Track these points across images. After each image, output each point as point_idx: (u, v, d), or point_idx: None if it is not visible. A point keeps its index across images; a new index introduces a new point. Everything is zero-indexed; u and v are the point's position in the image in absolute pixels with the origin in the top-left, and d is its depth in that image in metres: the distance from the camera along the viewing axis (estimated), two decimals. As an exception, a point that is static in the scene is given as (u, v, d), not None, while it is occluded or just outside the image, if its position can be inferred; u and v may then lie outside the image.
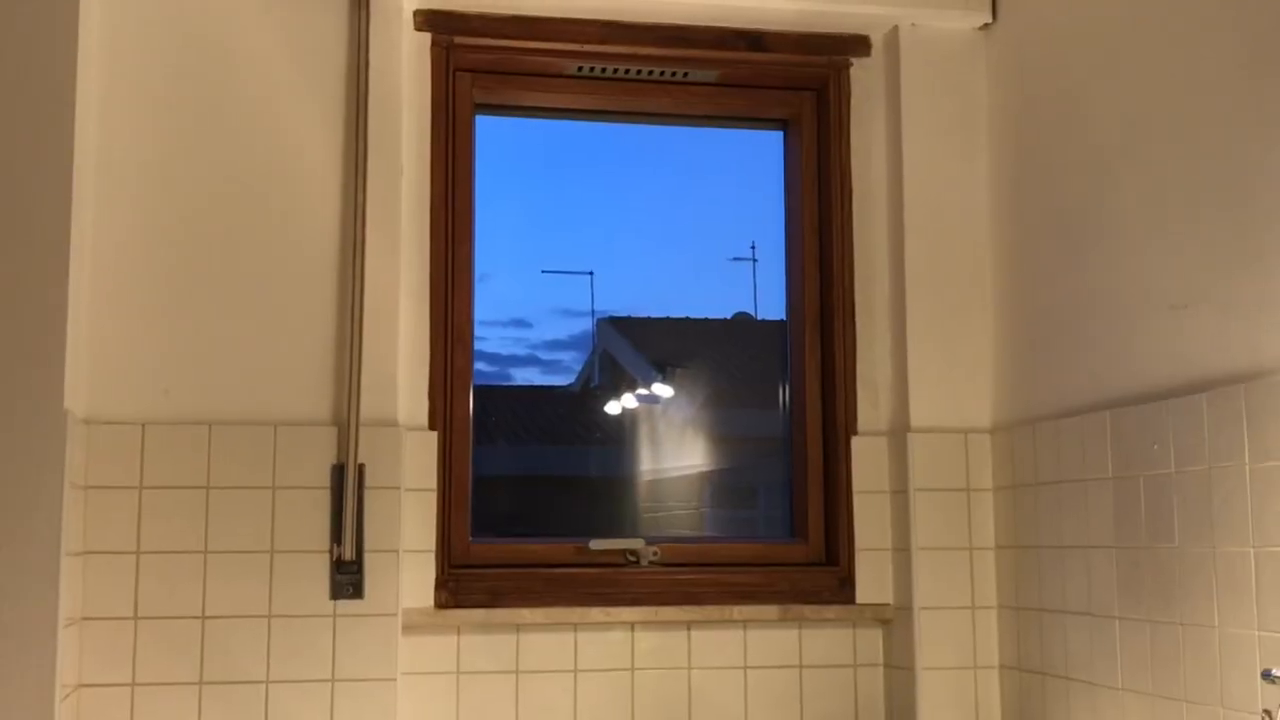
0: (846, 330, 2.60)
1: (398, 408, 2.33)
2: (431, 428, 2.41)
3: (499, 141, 2.65)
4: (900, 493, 2.50)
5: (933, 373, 2.49)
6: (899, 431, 2.52)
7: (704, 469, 3.42)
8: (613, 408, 4.49)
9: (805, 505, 2.62)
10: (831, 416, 2.61)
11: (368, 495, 2.23)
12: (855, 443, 2.56)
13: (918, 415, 2.50)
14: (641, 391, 4.29)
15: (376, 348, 2.29)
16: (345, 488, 2.20)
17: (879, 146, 2.60)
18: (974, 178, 2.55)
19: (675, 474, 3.66)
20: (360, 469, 2.23)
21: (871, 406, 2.58)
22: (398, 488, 2.28)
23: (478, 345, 2.63)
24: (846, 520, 2.51)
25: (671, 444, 3.77)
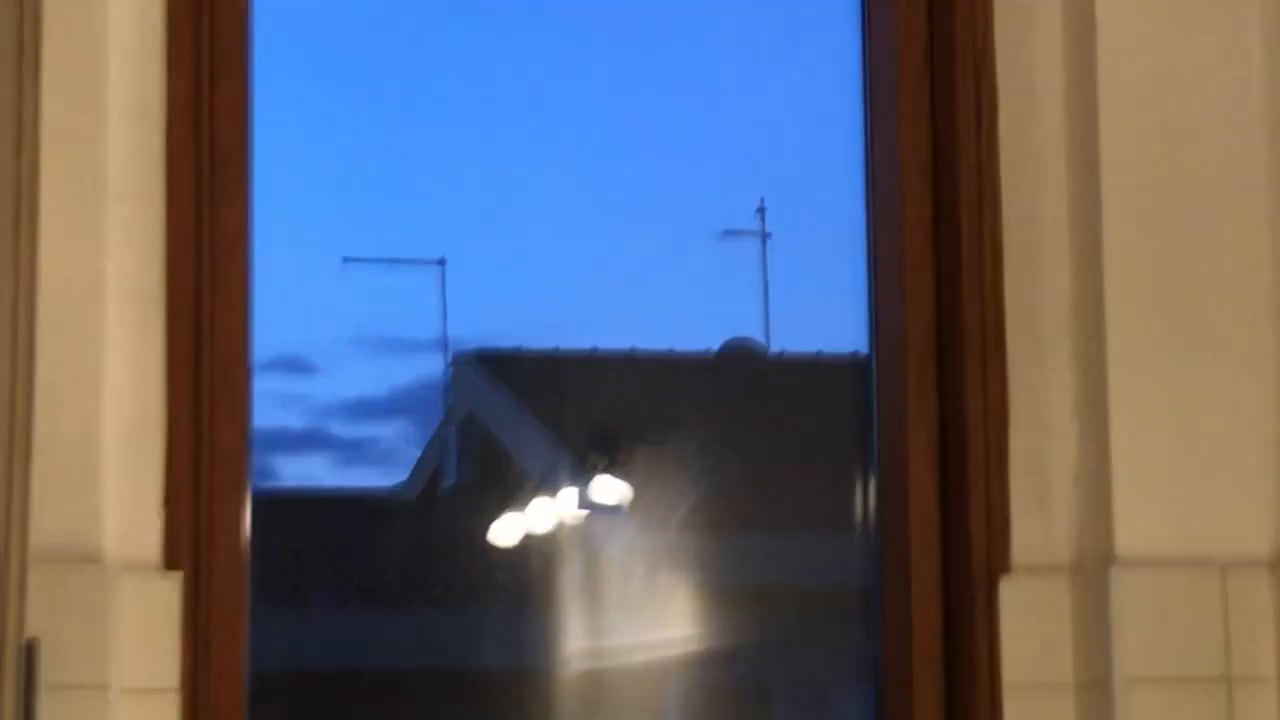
0: (989, 369, 2.41)
1: (102, 530, 2.19)
2: (171, 566, 2.26)
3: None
4: (1096, 687, 2.32)
5: (1160, 451, 2.35)
6: (1093, 565, 2.36)
7: (691, 650, 3.30)
8: (503, 532, 4.11)
9: (908, 714, 2.42)
10: (959, 540, 2.43)
11: (43, 704, 2.08)
12: (1006, 591, 2.38)
13: (1130, 534, 2.34)
14: (569, 492, 4.06)
15: (58, 405, 2.15)
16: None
17: (1048, 13, 2.46)
18: (1238, 70, 2.42)
19: (632, 662, 3.36)
20: (28, 650, 2.08)
21: (1037, 517, 2.42)
22: (106, 688, 2.14)
23: None
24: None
25: (626, 604, 3.41)
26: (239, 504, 2.31)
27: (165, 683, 2.22)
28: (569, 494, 3.86)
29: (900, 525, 2.47)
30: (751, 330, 3.62)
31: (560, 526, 3.80)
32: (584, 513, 3.61)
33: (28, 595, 2.08)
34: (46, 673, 2.08)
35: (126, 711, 2.19)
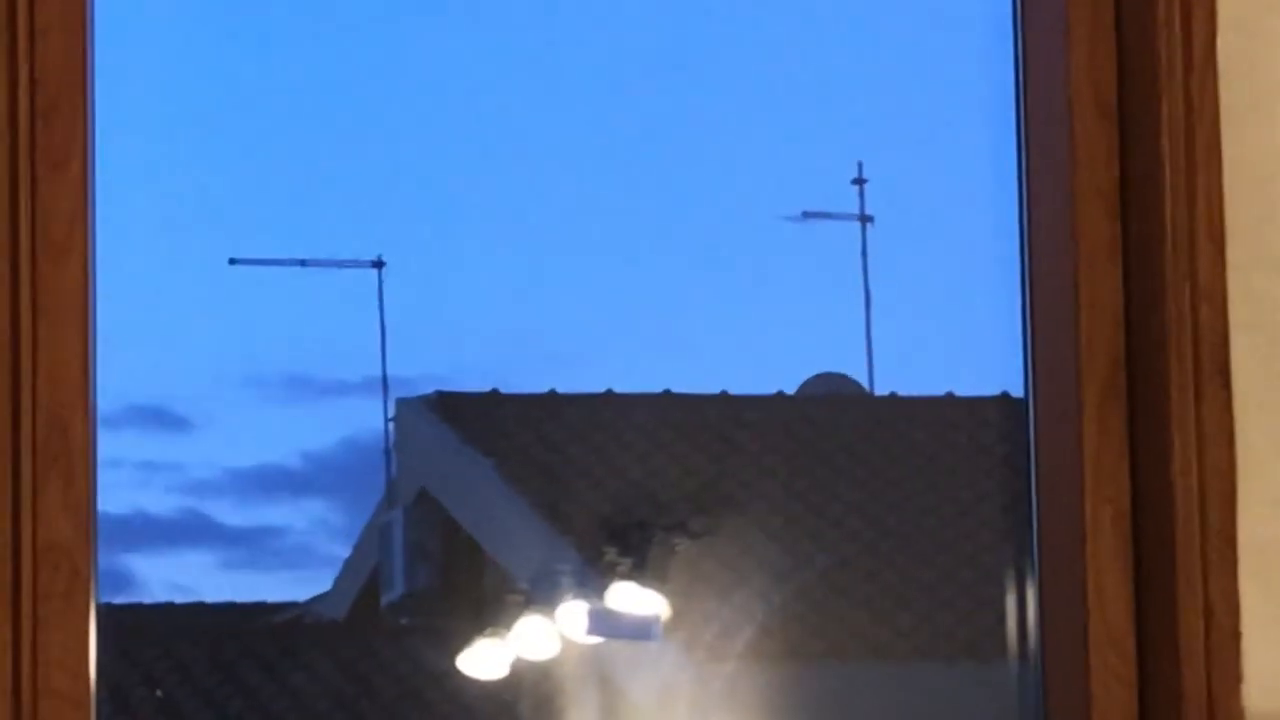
0: (1204, 421, 2.30)
1: None
2: None
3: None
4: None
5: None
6: None
7: None
8: (479, 664, 4.01)
9: None
10: (1163, 672, 2.31)
11: None
12: None
13: None
14: (575, 606, 4.06)
15: None
16: None
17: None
18: None
19: None
20: None
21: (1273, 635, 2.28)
22: None
23: None
24: None
25: None
26: (80, 627, 2.18)
27: None
28: (576, 609, 3.81)
29: (1075, 650, 2.34)
30: (849, 357, 3.60)
31: (564, 656, 3.76)
32: (597, 637, 3.51)
33: None
34: None
35: None
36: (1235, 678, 2.26)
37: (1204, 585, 2.26)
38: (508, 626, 3.81)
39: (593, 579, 3.70)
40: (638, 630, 3.47)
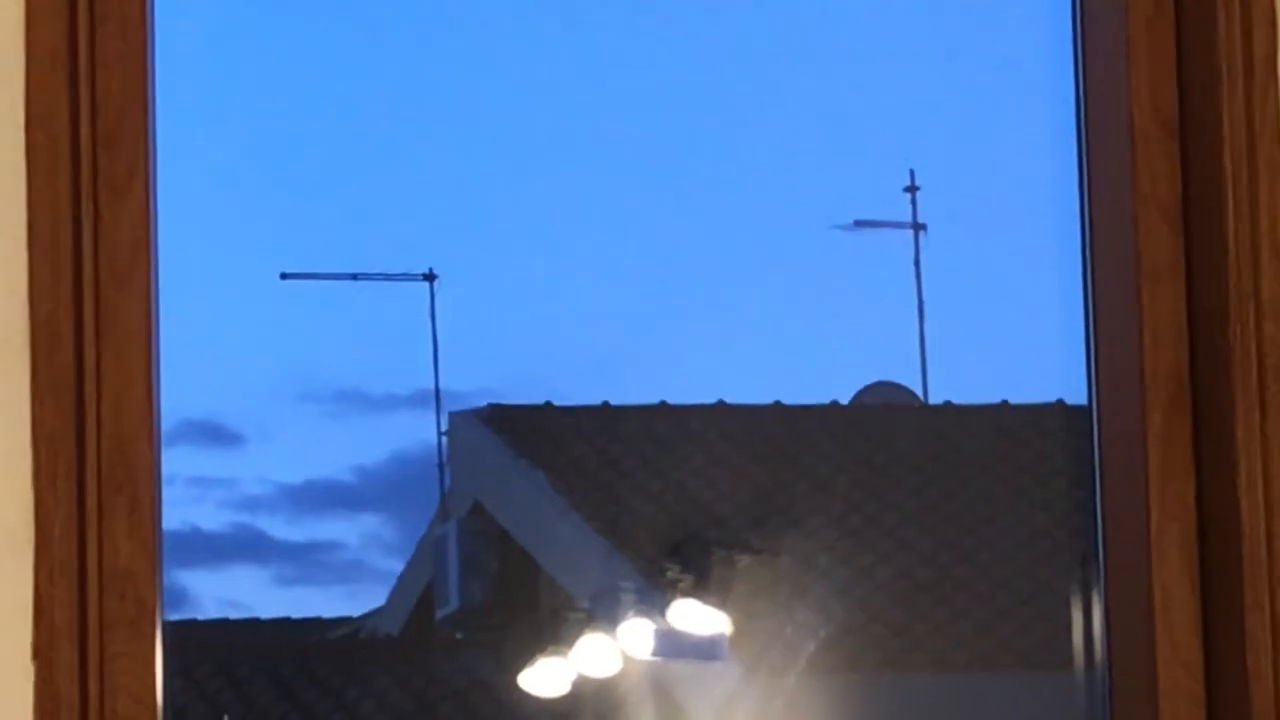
0: (1270, 431, 2.27)
1: None
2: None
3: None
4: None
5: None
6: None
7: None
8: (539, 682, 3.97)
9: None
10: (1233, 693, 2.28)
11: None
12: None
13: None
14: (637, 624, 4.04)
15: None
16: None
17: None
18: None
19: None
20: None
21: None
22: None
23: None
24: None
25: None
26: (147, 653, 2.18)
27: None
28: (639, 627, 3.80)
29: (1144, 668, 2.32)
30: (905, 365, 3.65)
31: (626, 673, 3.75)
32: (663, 657, 3.51)
33: None
34: None
35: None
36: (1306, 695, 2.24)
37: (1271, 604, 2.24)
38: (569, 644, 3.79)
39: (654, 596, 3.67)
40: (704, 650, 3.45)
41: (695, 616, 3.42)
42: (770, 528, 3.51)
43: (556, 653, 3.86)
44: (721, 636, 3.33)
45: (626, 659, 3.65)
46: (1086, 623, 2.50)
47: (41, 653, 2.12)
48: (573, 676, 3.80)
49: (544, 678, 3.75)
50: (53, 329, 2.14)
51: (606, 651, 3.63)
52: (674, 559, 3.66)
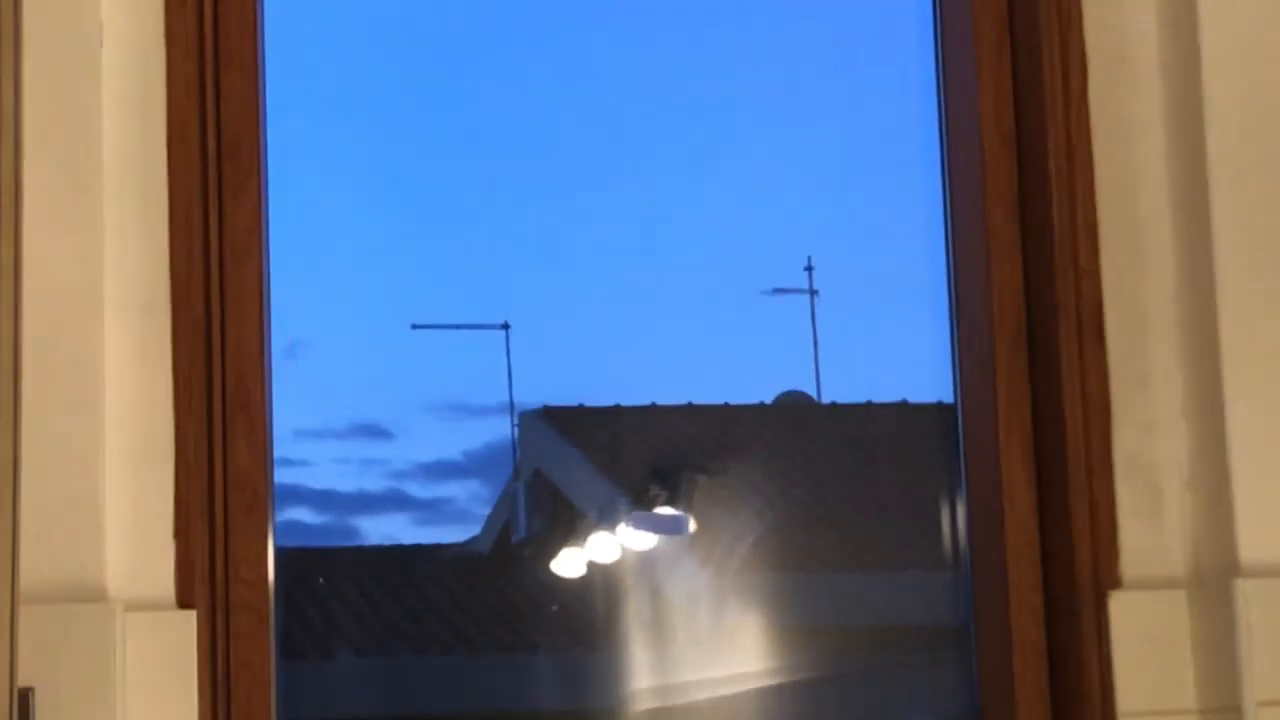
0: (1087, 363, 2.13)
1: (104, 562, 1.92)
2: (185, 604, 1.98)
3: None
4: (1223, 714, 2.03)
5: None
6: (1214, 577, 2.07)
7: (769, 684, 3.17)
8: (568, 564, 4.11)
9: None
10: (1060, 554, 2.13)
11: None
12: (1116, 608, 2.09)
13: (1255, 542, 2.04)
14: (631, 526, 3.93)
15: (52, 427, 1.88)
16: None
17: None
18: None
19: (708, 695, 3.23)
20: (21, 702, 1.80)
21: (1147, 526, 2.13)
22: None
23: (294, 475, 2.74)
24: (1105, 780, 2.04)
25: (697, 637, 3.34)
26: (260, 533, 2.03)
27: (180, 734, 1.93)
28: (636, 521, 3.71)
29: (995, 540, 2.17)
30: (802, 383, 3.63)
31: (622, 560, 3.67)
32: (643, 532, 3.38)
33: (19, 640, 1.81)
34: (43, 728, 1.82)
35: (137, 764, 1.90)
36: (1114, 553, 2.09)
37: (1089, 487, 2.10)
38: (584, 542, 3.81)
39: (639, 508, 3.69)
40: (672, 526, 3.33)
41: (668, 515, 3.42)
42: (721, 462, 3.49)
43: (575, 545, 3.88)
44: (684, 518, 3.21)
45: (623, 549, 3.65)
46: (952, 520, 2.32)
47: (181, 533, 1.96)
48: (585, 562, 3.84)
49: (567, 564, 3.84)
50: (187, 292, 1.98)
51: (608, 544, 3.66)
52: (654, 481, 3.64)
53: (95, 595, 1.88)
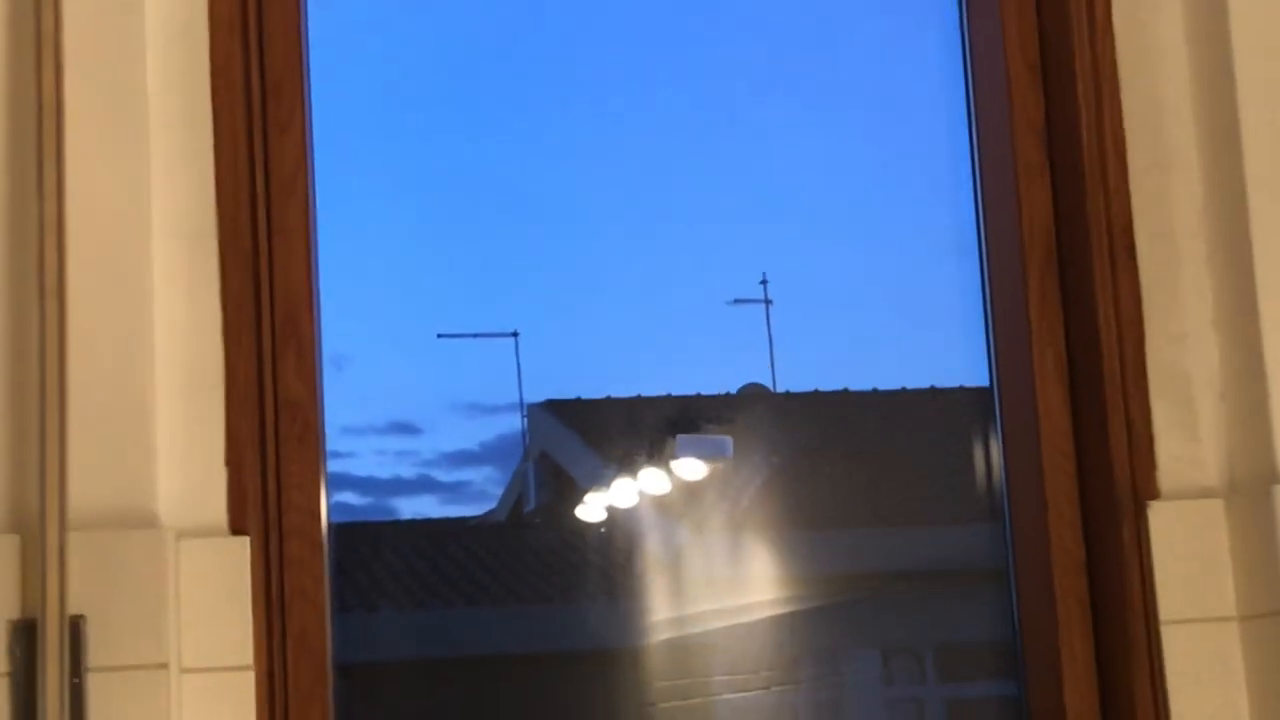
0: (1119, 278, 1.90)
1: (156, 489, 1.70)
2: (237, 530, 1.75)
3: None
4: (1265, 619, 1.81)
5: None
6: (1252, 485, 1.84)
7: (791, 609, 3.12)
8: (590, 509, 4.42)
9: (1053, 659, 1.89)
10: (1098, 468, 1.89)
11: (93, 686, 1.60)
12: (1155, 518, 1.85)
13: None
14: (652, 470, 3.82)
15: (103, 353, 1.68)
16: (38, 670, 1.58)
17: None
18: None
19: (734, 623, 3.33)
20: (73, 628, 1.60)
21: (1183, 437, 1.89)
22: (165, 666, 1.63)
23: (341, 465, 2.64)
24: (1148, 685, 1.82)
25: (716, 569, 3.52)
26: (312, 461, 1.80)
27: (235, 659, 1.71)
28: (653, 469, 3.66)
29: (1032, 457, 1.93)
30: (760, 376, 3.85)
31: (641, 503, 3.74)
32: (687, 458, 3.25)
33: (69, 566, 1.60)
34: (95, 653, 1.61)
35: (191, 693, 1.69)
36: (1151, 465, 1.86)
37: (1125, 401, 1.87)
38: (585, 502, 4.04)
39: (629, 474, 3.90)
40: (716, 449, 3.11)
41: (685, 466, 3.34)
42: (721, 420, 3.56)
43: (593, 496, 4.07)
44: (727, 440, 2.99)
45: (638, 492, 3.77)
46: (985, 457, 2.07)
47: (232, 460, 1.73)
48: (600, 508, 4.00)
49: (590, 508, 4.14)
50: (235, 224, 1.76)
51: (625, 491, 3.82)
52: (671, 429, 3.65)
53: (147, 521, 1.66)
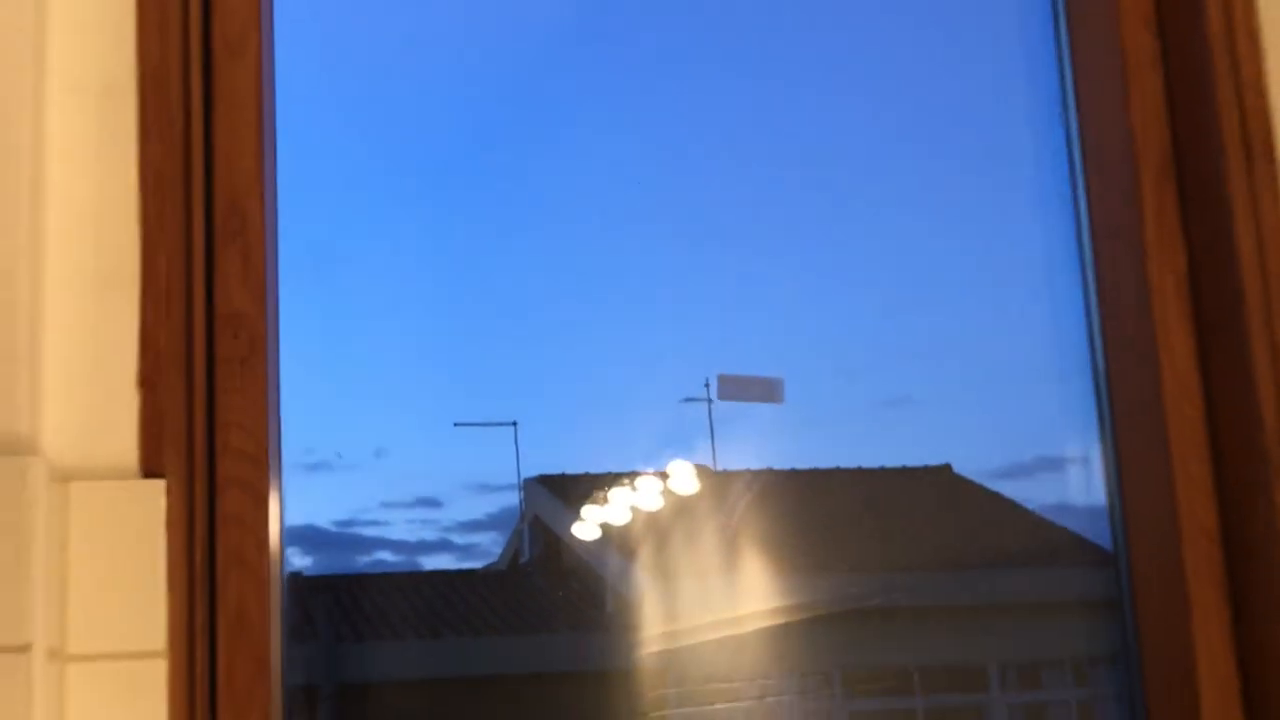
0: (1255, 177, 1.28)
1: (38, 411, 1.01)
2: (151, 472, 1.05)
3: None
4: None
5: None
6: None
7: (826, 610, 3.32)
8: (587, 525, 4.94)
9: (1186, 663, 1.19)
10: (1235, 409, 1.22)
11: None
12: None
13: None
14: (649, 480, 3.55)
15: None
16: None
17: None
18: None
19: (741, 630, 3.57)
20: None
21: None
22: (27, 650, 0.93)
23: (380, 531, 2.60)
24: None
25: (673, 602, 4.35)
26: (257, 391, 1.11)
27: (141, 644, 1.00)
28: (649, 481, 3.14)
29: (1150, 409, 1.24)
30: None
31: (637, 518, 3.40)
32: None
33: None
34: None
35: (79, 687, 0.98)
36: (1309, 409, 1.18)
37: (1269, 331, 1.20)
38: (569, 585, 4.09)
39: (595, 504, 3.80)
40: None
41: (681, 473, 3.00)
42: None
43: (592, 503, 3.80)
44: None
45: (634, 506, 3.42)
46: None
47: (147, 380, 1.05)
48: (599, 521, 3.84)
49: (584, 529, 3.92)
50: (160, 80, 1.08)
51: (621, 499, 3.69)
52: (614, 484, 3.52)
53: (18, 449, 0.95)
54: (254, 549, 1.09)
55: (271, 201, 1.15)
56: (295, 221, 1.19)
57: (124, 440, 1.03)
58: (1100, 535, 1.29)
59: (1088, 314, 1.31)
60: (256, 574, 1.09)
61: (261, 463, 1.10)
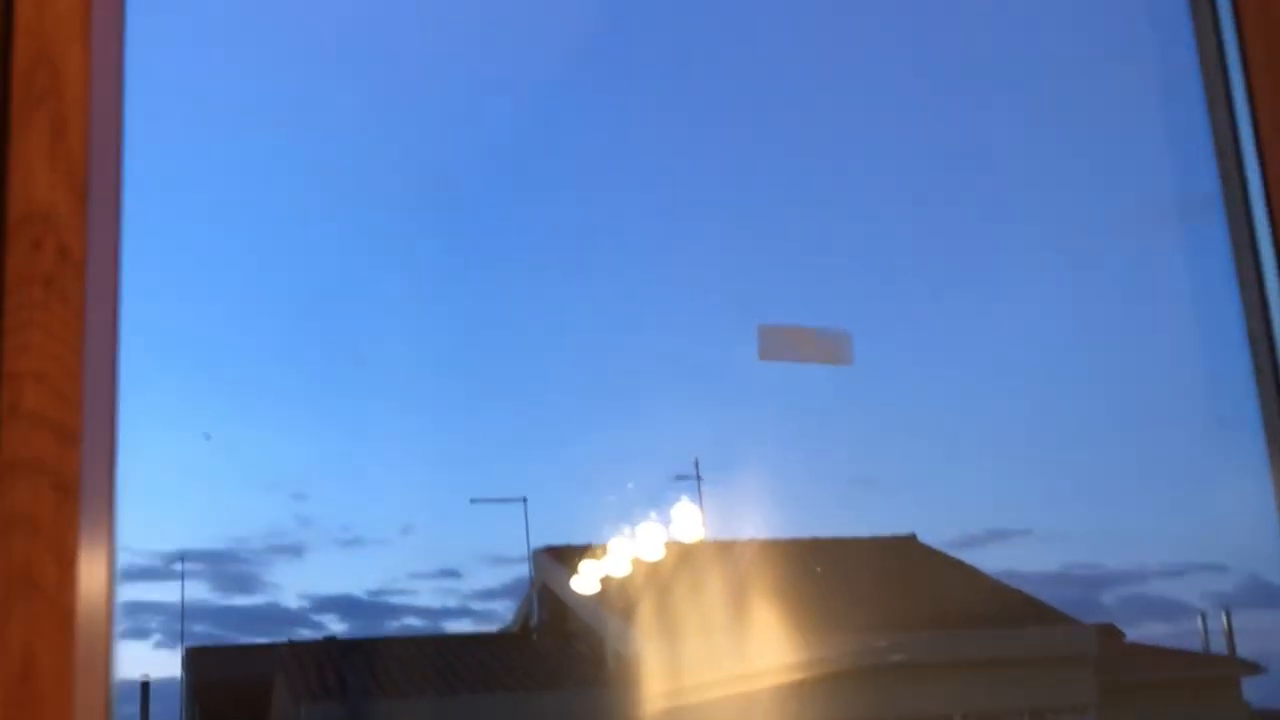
0: None
1: None
2: None
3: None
4: None
5: None
6: None
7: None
8: (584, 582, 4.84)
9: None
10: None
11: None
12: None
13: None
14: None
15: None
16: None
17: None
18: None
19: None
20: None
21: None
22: None
23: (407, 599, 3.17)
24: None
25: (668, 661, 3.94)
26: (68, 319, 0.59)
27: None
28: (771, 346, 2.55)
29: None
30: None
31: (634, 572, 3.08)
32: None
33: None
34: None
35: None
36: None
37: None
38: (571, 626, 3.75)
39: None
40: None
41: (680, 520, 2.61)
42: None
43: (592, 556, 3.37)
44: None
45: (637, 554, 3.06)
46: None
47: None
48: (601, 577, 3.47)
49: (585, 581, 3.55)
50: None
51: (593, 572, 3.37)
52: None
53: None
54: (51, 567, 0.58)
55: (110, 59, 0.66)
56: (320, 335, 0.78)
57: None
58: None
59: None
60: (55, 605, 0.58)
61: (72, 435, 0.60)
